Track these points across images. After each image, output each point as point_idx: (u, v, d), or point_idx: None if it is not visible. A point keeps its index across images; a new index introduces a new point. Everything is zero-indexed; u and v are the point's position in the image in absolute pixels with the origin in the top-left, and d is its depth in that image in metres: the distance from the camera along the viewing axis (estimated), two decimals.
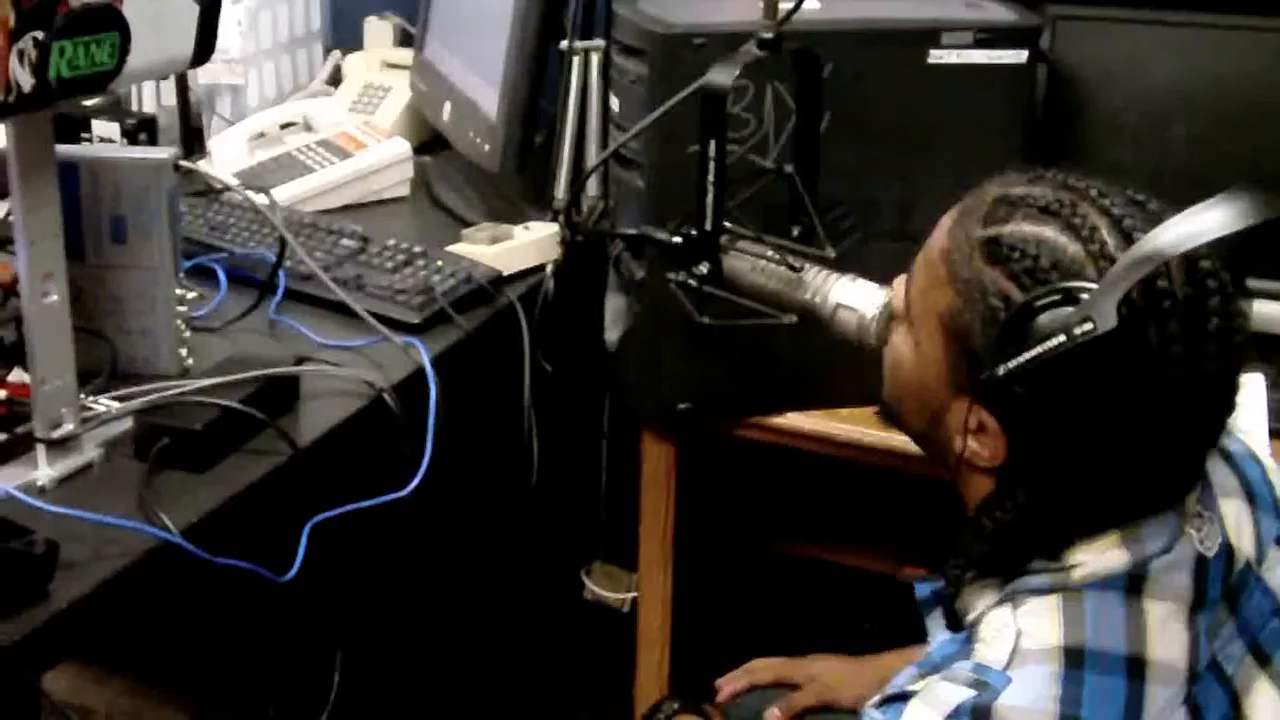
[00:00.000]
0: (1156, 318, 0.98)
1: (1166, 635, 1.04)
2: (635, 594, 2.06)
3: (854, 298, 1.38)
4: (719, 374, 1.75)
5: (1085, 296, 0.97)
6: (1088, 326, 0.96)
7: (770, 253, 1.48)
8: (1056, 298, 0.99)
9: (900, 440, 1.70)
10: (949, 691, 1.01)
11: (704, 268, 1.51)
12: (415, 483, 1.47)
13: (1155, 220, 0.99)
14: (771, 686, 1.64)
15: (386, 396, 1.53)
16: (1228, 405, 1.05)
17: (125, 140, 2.08)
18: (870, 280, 1.38)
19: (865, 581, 2.08)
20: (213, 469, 1.37)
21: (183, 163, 1.54)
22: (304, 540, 1.36)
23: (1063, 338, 0.97)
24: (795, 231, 1.57)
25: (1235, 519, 1.12)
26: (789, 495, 2.21)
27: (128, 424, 1.39)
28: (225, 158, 2.15)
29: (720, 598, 2.22)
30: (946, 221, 1.11)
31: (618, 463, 2.10)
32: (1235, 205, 0.95)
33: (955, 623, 1.10)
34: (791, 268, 1.44)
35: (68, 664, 2.39)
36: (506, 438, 1.87)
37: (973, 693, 1.00)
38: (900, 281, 1.19)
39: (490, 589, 2.33)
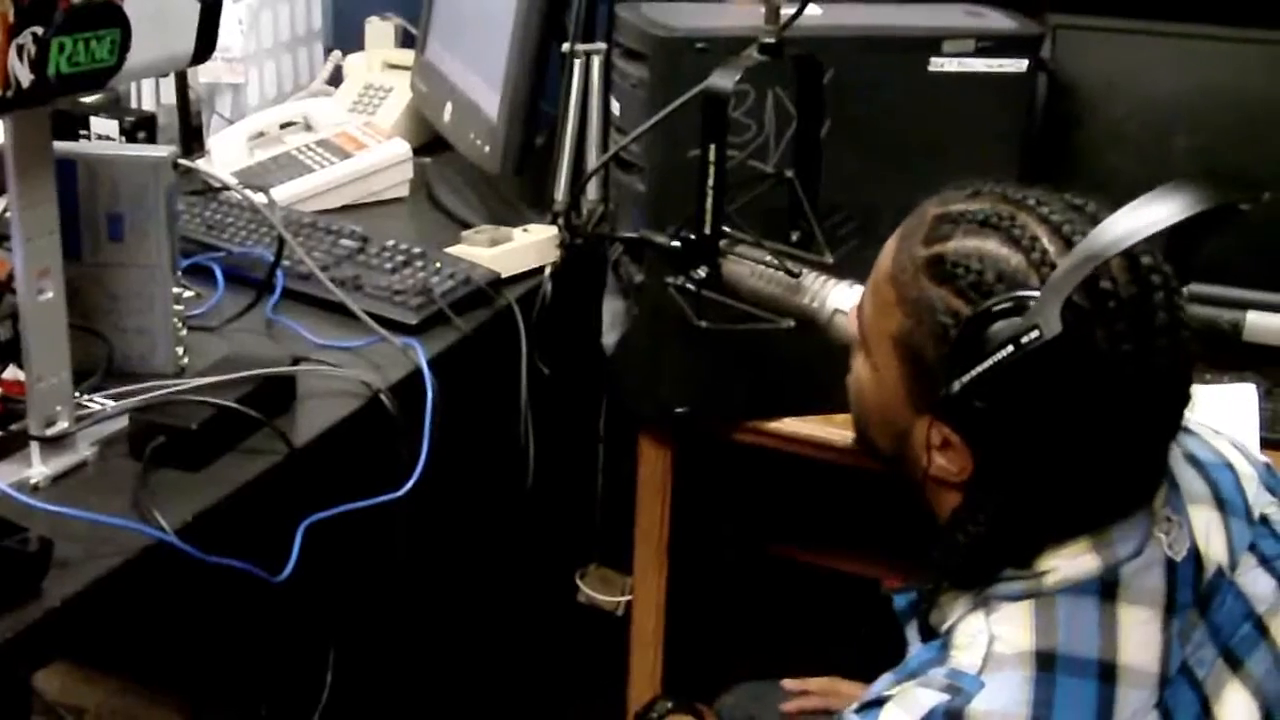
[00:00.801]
0: (1103, 318, 1.00)
1: (1138, 639, 1.05)
2: (629, 597, 2.06)
3: (851, 303, 1.38)
4: (716, 378, 1.75)
5: (1031, 305, 0.98)
6: (1035, 334, 0.97)
7: (769, 258, 1.47)
8: (1004, 308, 1.00)
9: None
10: (923, 696, 1.03)
11: (703, 272, 1.50)
12: (411, 484, 1.47)
13: (1094, 223, 1.00)
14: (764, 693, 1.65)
15: (383, 397, 1.53)
16: (1182, 398, 1.06)
17: (124, 138, 2.08)
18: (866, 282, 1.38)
19: (859, 586, 2.08)
20: (208, 468, 1.37)
21: (182, 161, 1.54)
22: (298, 540, 1.36)
23: (1011, 348, 0.98)
24: (794, 237, 1.57)
25: (1205, 525, 1.14)
26: (784, 500, 2.21)
27: (123, 422, 1.39)
28: (224, 157, 2.15)
29: (715, 602, 2.22)
30: (890, 245, 1.12)
31: (614, 465, 2.09)
32: (1169, 200, 0.96)
33: (929, 633, 1.12)
34: (790, 273, 1.44)
35: (59, 663, 2.38)
36: (503, 440, 1.87)
37: (946, 697, 1.02)
38: (854, 310, 1.21)
39: (485, 591, 2.33)
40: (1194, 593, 1.10)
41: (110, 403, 1.40)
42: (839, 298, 1.40)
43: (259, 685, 2.31)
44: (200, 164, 1.99)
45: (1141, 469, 1.09)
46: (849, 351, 1.37)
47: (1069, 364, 0.98)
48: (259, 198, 1.66)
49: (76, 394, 1.36)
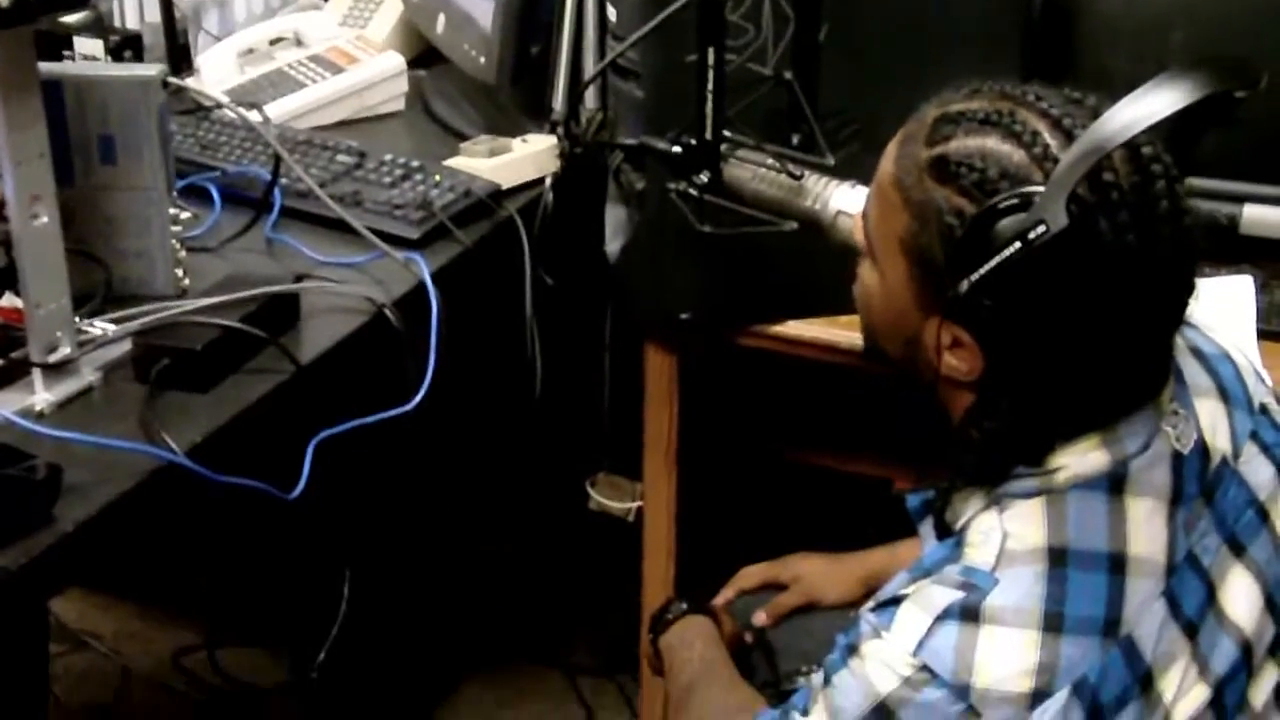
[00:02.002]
0: (1106, 210, 1.00)
1: (1146, 531, 1.08)
2: (640, 503, 2.07)
3: (854, 204, 1.37)
4: (720, 283, 1.74)
5: (1036, 200, 0.98)
6: (1041, 229, 0.97)
7: (770, 161, 1.46)
8: (1009, 205, 1.00)
9: None
10: (939, 594, 1.05)
11: (704, 176, 1.49)
12: (419, 398, 1.47)
13: (1094, 116, 1.00)
14: (759, 591, 1.66)
15: (388, 312, 1.53)
16: (1186, 287, 1.07)
17: (110, 58, 2.05)
18: (870, 187, 1.37)
19: (867, 487, 2.09)
20: (214, 389, 1.37)
21: (171, 80, 1.52)
22: (309, 457, 1.36)
23: (1018, 244, 0.98)
24: (795, 139, 1.55)
25: (1210, 417, 1.15)
26: (792, 403, 2.21)
27: (126, 346, 1.38)
28: (214, 75, 2.12)
29: (725, 505, 2.23)
30: (892, 149, 1.12)
31: (621, 373, 2.09)
32: (1169, 89, 0.97)
33: (944, 531, 1.13)
34: (792, 175, 1.43)
35: (75, 590, 2.41)
36: (509, 351, 1.87)
37: (961, 594, 1.04)
38: (858, 217, 1.21)
39: (495, 502, 2.34)
40: (1200, 483, 1.12)
41: (112, 327, 1.39)
42: (841, 199, 1.39)
43: (275, 605, 2.33)
44: (190, 83, 1.96)
45: (1148, 362, 1.09)
46: (852, 253, 1.37)
47: (1074, 257, 0.99)
48: (253, 115, 1.64)
49: (76, 319, 1.35)
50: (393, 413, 1.45)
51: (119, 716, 2.29)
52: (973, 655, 1.03)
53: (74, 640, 2.37)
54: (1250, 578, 1.14)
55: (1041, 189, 0.99)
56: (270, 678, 2.33)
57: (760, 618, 1.64)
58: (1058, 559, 1.05)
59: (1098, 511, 1.07)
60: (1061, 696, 1.03)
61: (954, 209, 1.04)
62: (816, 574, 1.64)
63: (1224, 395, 1.18)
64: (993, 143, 1.04)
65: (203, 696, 2.32)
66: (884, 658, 1.06)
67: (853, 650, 1.09)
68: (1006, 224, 0.99)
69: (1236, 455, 1.16)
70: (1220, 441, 1.15)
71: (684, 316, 1.77)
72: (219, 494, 1.27)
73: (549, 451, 2.21)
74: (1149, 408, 1.10)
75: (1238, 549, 1.14)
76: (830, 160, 1.49)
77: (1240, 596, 1.13)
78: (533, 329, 1.85)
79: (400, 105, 2.16)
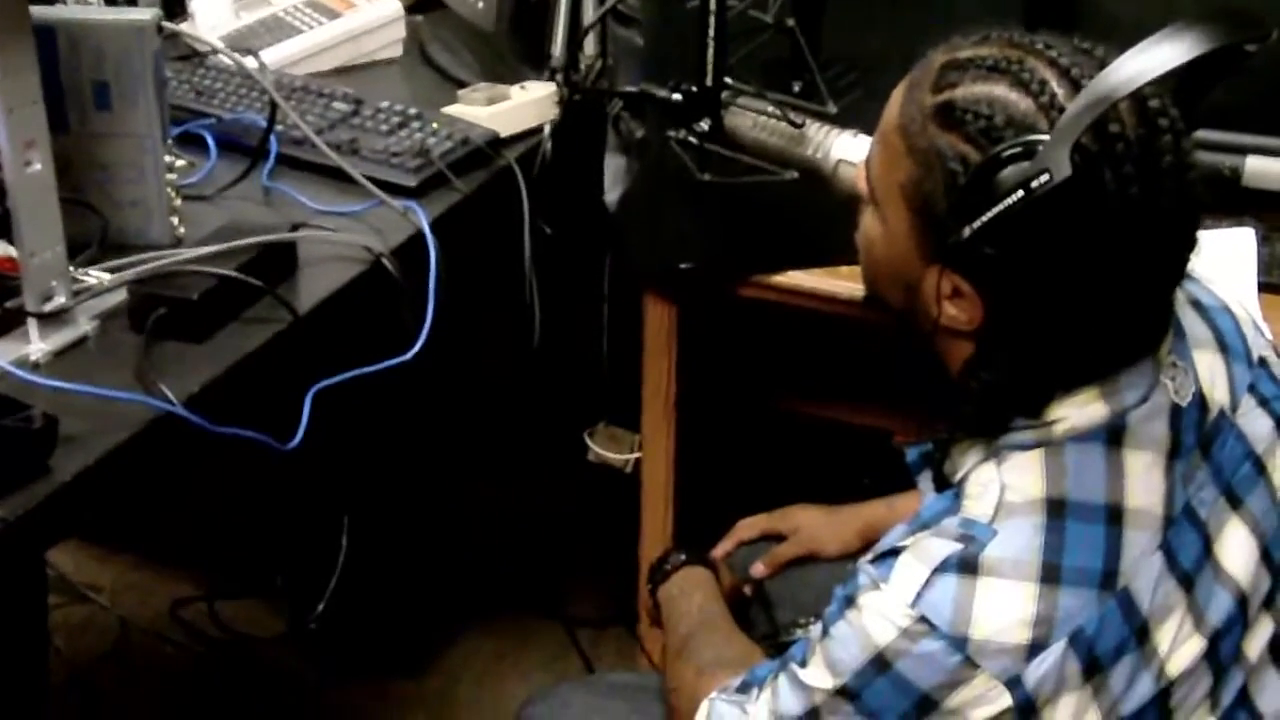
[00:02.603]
0: (1111, 161, 0.99)
1: (1144, 483, 1.08)
2: (639, 454, 2.07)
3: (856, 153, 1.36)
4: (720, 233, 1.73)
5: (1040, 149, 0.98)
6: (1045, 178, 0.97)
7: (771, 109, 1.45)
8: (1013, 153, 0.99)
9: None
10: (937, 546, 1.06)
11: (705, 124, 1.49)
12: (417, 347, 1.46)
13: (1102, 66, 0.99)
14: (758, 542, 1.67)
15: (386, 261, 1.51)
16: (1188, 242, 1.06)
17: (103, 2, 2.02)
18: (872, 136, 1.36)
19: (866, 439, 2.09)
20: (212, 338, 1.36)
21: (166, 25, 1.49)
22: (307, 407, 1.35)
23: (1021, 192, 0.98)
24: (796, 87, 1.54)
25: (1209, 369, 1.15)
26: (791, 353, 2.20)
27: (122, 295, 1.37)
28: (209, 20, 2.10)
29: (723, 456, 2.23)
30: (898, 94, 1.11)
31: (619, 324, 2.09)
32: (1176, 40, 0.96)
33: (943, 483, 1.13)
34: (793, 123, 1.42)
35: (74, 542, 2.41)
36: (508, 301, 1.86)
37: (960, 546, 1.05)
38: (862, 164, 1.20)
39: (494, 452, 2.34)
40: (1198, 435, 1.12)
41: (107, 276, 1.38)
42: (843, 147, 1.38)
43: (273, 556, 2.34)
44: (184, 28, 1.94)
45: (1148, 315, 1.09)
46: (854, 202, 1.36)
47: (1078, 208, 0.98)
48: (249, 61, 1.62)
49: (71, 269, 1.34)
50: (391, 362, 1.44)
51: (118, 668, 2.29)
52: (970, 607, 1.03)
53: (72, 592, 2.38)
54: (1246, 530, 1.14)
55: (1046, 138, 0.98)
56: (269, 628, 2.33)
57: (759, 569, 1.64)
58: (1056, 511, 1.05)
59: (1096, 464, 1.07)
60: (1059, 648, 1.04)
61: (958, 156, 1.03)
62: (815, 525, 1.65)
63: (1223, 348, 1.18)
64: (1000, 90, 1.03)
65: (201, 648, 2.33)
66: (882, 609, 1.06)
67: (850, 602, 1.09)
68: (1010, 172, 0.99)
69: (1234, 408, 1.16)
70: (1219, 394, 1.15)
71: (683, 266, 1.77)
72: (216, 444, 1.26)
73: (547, 402, 2.21)
74: (1148, 360, 1.09)
75: (1234, 501, 1.14)
76: (832, 108, 1.48)
77: (1236, 549, 1.14)
78: (531, 279, 1.84)
79: (398, 52, 2.14)
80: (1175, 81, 1.04)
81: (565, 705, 1.47)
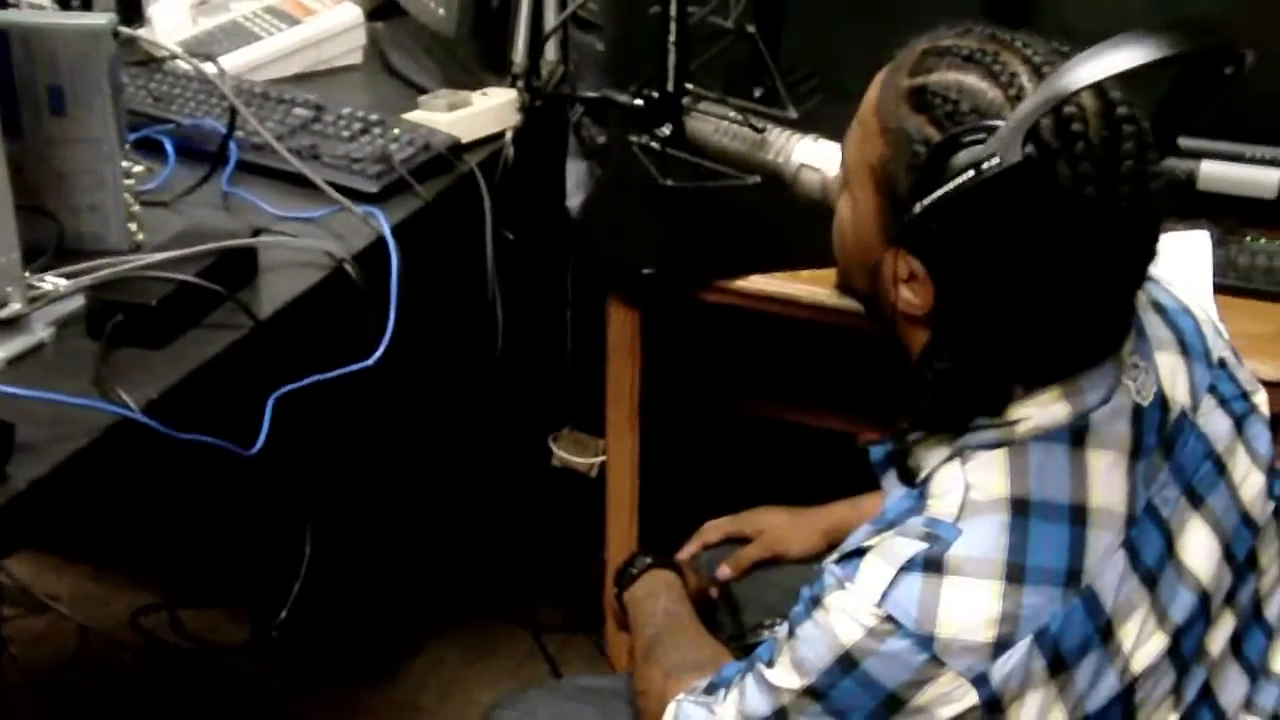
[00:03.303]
0: (1068, 156, 1.00)
1: (1106, 483, 1.09)
2: (603, 459, 2.06)
3: (817, 158, 1.37)
4: (682, 237, 1.74)
5: (995, 134, 0.99)
6: (994, 160, 0.98)
7: (733, 114, 1.46)
8: (972, 137, 1.01)
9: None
10: (902, 545, 1.06)
11: (666, 129, 1.49)
12: (380, 352, 1.45)
13: None
14: (723, 544, 1.67)
15: (347, 266, 1.51)
16: (1148, 251, 1.08)
17: (56, 6, 2.01)
18: (833, 141, 1.37)
19: (830, 441, 2.10)
20: (171, 344, 1.35)
21: (123, 29, 1.48)
22: (268, 413, 1.34)
23: (971, 173, 0.99)
24: (757, 93, 1.55)
25: (1170, 370, 1.16)
26: (754, 357, 2.21)
27: (79, 302, 1.36)
28: (167, 25, 2.08)
29: (688, 460, 2.23)
30: (879, 77, 1.12)
31: (583, 329, 2.09)
32: (1141, 42, 0.98)
33: (908, 478, 1.13)
34: (754, 129, 1.43)
35: (31, 552, 2.39)
36: (470, 307, 1.86)
37: (924, 545, 1.05)
38: (842, 146, 1.20)
39: (458, 458, 2.33)
40: (1159, 435, 1.13)
41: (64, 282, 1.37)
42: (804, 152, 1.39)
43: (235, 564, 2.32)
44: (142, 33, 1.93)
45: (1106, 316, 1.10)
46: (815, 206, 1.36)
47: (1030, 197, 0.99)
48: (208, 67, 1.62)
49: (27, 275, 1.33)
50: (353, 368, 1.44)
51: (78, 678, 2.27)
52: (936, 606, 1.04)
53: (30, 602, 2.35)
54: (1208, 529, 1.16)
55: (1002, 123, 0.99)
56: (231, 637, 2.32)
57: (724, 571, 1.64)
58: (1020, 509, 1.06)
59: (1059, 463, 1.08)
60: (1024, 645, 1.04)
61: (923, 138, 1.04)
62: (780, 527, 1.65)
63: (1183, 349, 1.19)
64: (972, 79, 1.04)
65: (163, 657, 2.31)
66: (848, 608, 1.06)
67: (816, 602, 1.09)
68: (964, 154, 1.00)
69: (1195, 408, 1.17)
70: (1180, 394, 1.16)
71: (646, 271, 1.77)
72: (176, 451, 1.26)
73: (511, 408, 2.20)
74: (1109, 361, 1.10)
75: (1196, 500, 1.15)
76: (793, 113, 1.49)
77: (1198, 547, 1.15)
78: (494, 284, 1.84)
79: (358, 58, 2.13)
80: (1157, 103, 1.06)
81: (532, 711, 1.47)
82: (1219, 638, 1.17)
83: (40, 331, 1.32)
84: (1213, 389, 1.19)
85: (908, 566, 1.05)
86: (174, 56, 1.82)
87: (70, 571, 2.46)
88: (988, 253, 1.02)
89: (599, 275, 1.90)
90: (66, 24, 1.44)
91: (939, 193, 1.01)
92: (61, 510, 1.20)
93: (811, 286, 1.75)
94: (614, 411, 1.97)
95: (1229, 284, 1.67)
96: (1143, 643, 1.10)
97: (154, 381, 1.28)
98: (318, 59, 2.09)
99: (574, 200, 1.83)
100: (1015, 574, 1.04)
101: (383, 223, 1.58)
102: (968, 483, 1.07)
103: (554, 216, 1.86)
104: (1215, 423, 1.18)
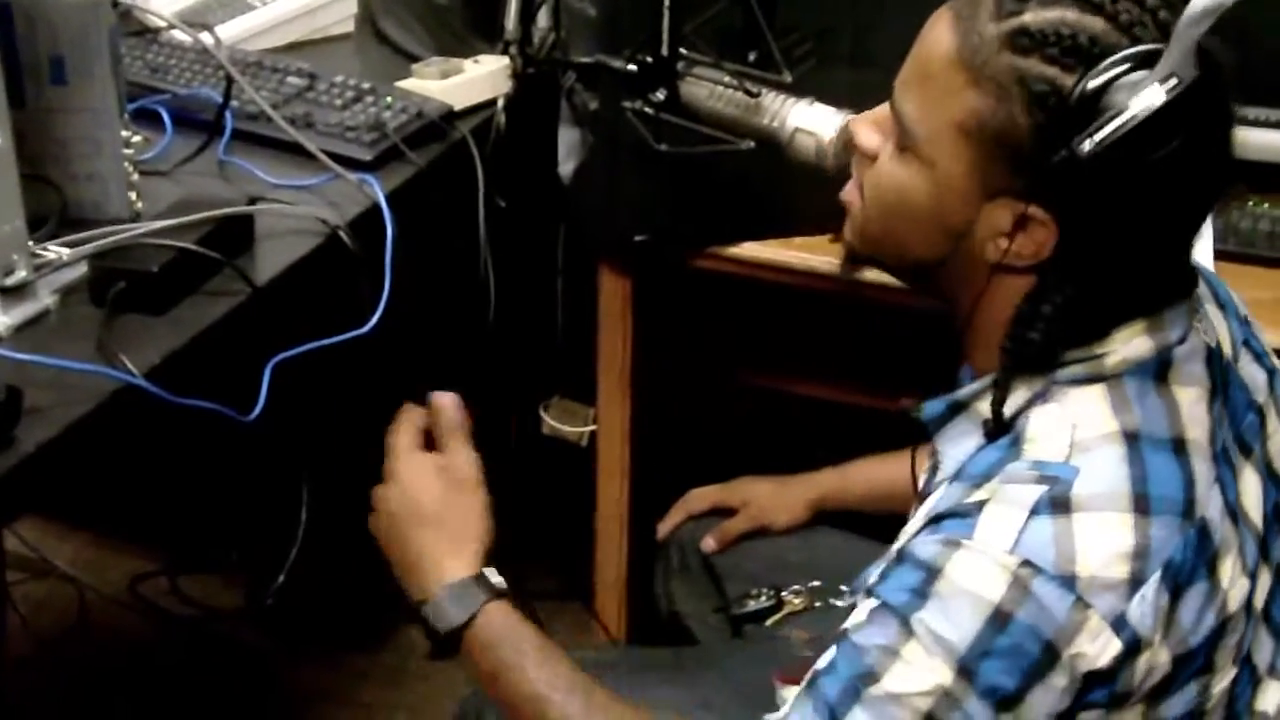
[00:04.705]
0: (1219, 73, 0.99)
1: (1193, 417, 1.07)
2: (594, 427, 2.07)
3: (812, 122, 1.38)
4: (675, 204, 1.74)
5: (1160, 55, 0.97)
6: (1174, 83, 0.96)
7: (727, 79, 1.46)
8: (1123, 68, 0.98)
9: (856, 269, 1.73)
10: (1020, 491, 1.02)
11: (660, 94, 1.49)
12: (375, 320, 1.46)
13: None
14: (708, 515, 1.68)
15: (342, 234, 1.52)
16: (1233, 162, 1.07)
17: None
18: (828, 105, 1.38)
19: (822, 410, 2.11)
20: (171, 311, 1.36)
21: (120, 0, 1.49)
22: (266, 379, 1.35)
23: (1151, 101, 0.96)
24: (752, 57, 1.55)
25: (1215, 320, 1.16)
26: (746, 325, 2.22)
27: (82, 270, 1.37)
28: None
29: (679, 429, 2.25)
30: (943, 31, 1.06)
31: (574, 296, 2.09)
32: None
33: (999, 425, 1.08)
34: (749, 93, 1.43)
35: (31, 518, 2.39)
36: (463, 273, 1.86)
37: (1044, 487, 1.01)
38: (870, 118, 1.16)
39: None
40: (1221, 379, 1.12)
41: (67, 250, 1.38)
42: (799, 116, 1.39)
43: (233, 530, 2.33)
44: (138, 4, 1.93)
45: (1192, 243, 1.10)
46: (810, 172, 1.37)
47: (1200, 116, 0.98)
48: (204, 37, 1.62)
49: (31, 243, 1.34)
50: (349, 335, 1.45)
51: (79, 644, 2.28)
52: (1072, 545, 1.00)
53: (32, 568, 2.37)
54: (1257, 478, 1.14)
55: (1157, 46, 0.97)
56: (229, 602, 2.33)
57: (709, 544, 1.65)
58: (1132, 441, 1.03)
59: (1153, 397, 1.06)
60: (1154, 581, 1.01)
61: (1043, 78, 1.00)
62: (765, 498, 1.65)
63: (1220, 303, 1.19)
64: (1072, 14, 1.01)
65: (162, 622, 2.32)
66: (979, 564, 1.00)
67: (932, 574, 1.01)
68: (1128, 81, 0.97)
69: (1235, 359, 1.17)
70: (1225, 344, 1.15)
71: (638, 238, 1.78)
72: (177, 416, 1.27)
73: (502, 375, 2.21)
74: (1185, 301, 1.09)
75: (1245, 448, 1.14)
76: (788, 78, 1.49)
77: (1251, 495, 1.13)
78: (486, 251, 1.84)
79: (350, 27, 2.13)
80: None
81: None
82: (1260, 593, 1.13)
83: (45, 299, 1.33)
84: (1246, 343, 1.19)
85: (1035, 510, 1.00)
86: (170, 27, 1.82)
87: (70, 538, 2.47)
88: (1140, 183, 0.99)
89: (591, 242, 1.91)
90: None
91: (1112, 126, 0.97)
92: (67, 474, 1.21)
93: (805, 254, 1.76)
94: (605, 380, 1.98)
95: (1230, 250, 1.66)
96: (1234, 583, 1.08)
97: (155, 347, 1.29)
98: (311, 28, 2.09)
99: (566, 167, 1.83)
100: (1142, 505, 1.01)
101: (377, 190, 1.59)
102: (1072, 421, 1.04)
103: (546, 183, 1.87)
104: (1253, 374, 1.18)
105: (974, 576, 1.00)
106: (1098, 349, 1.06)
